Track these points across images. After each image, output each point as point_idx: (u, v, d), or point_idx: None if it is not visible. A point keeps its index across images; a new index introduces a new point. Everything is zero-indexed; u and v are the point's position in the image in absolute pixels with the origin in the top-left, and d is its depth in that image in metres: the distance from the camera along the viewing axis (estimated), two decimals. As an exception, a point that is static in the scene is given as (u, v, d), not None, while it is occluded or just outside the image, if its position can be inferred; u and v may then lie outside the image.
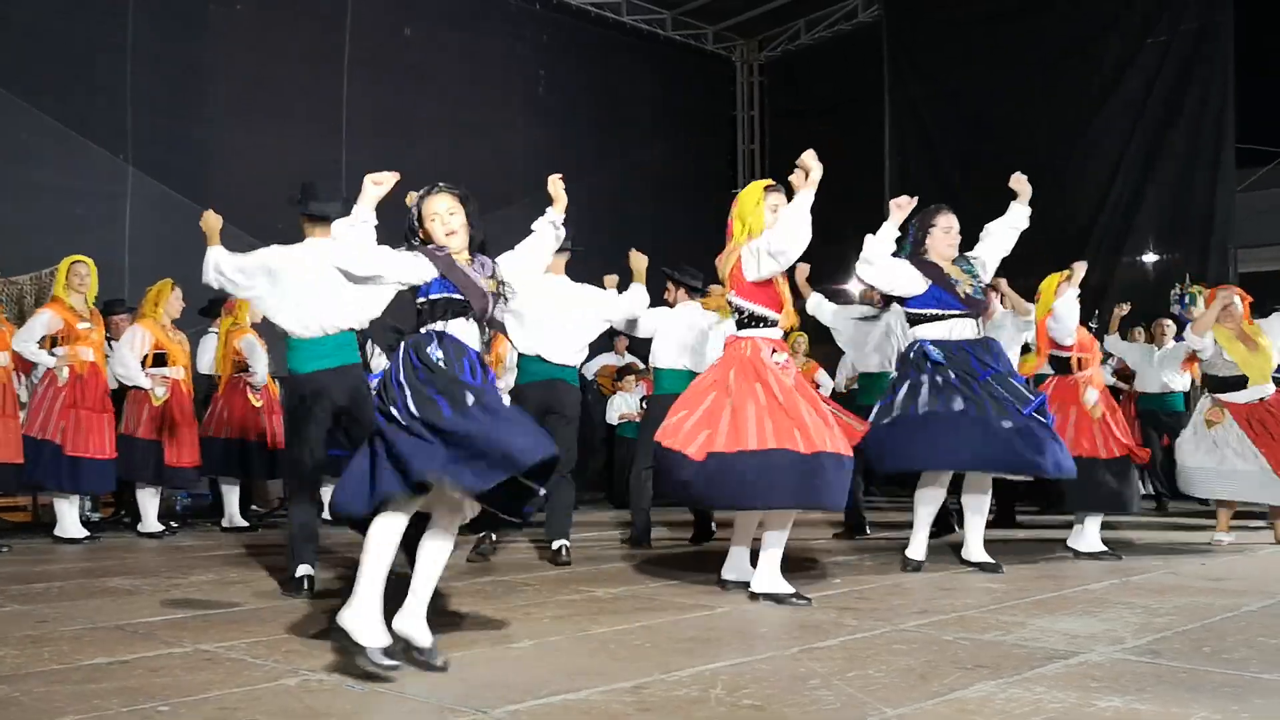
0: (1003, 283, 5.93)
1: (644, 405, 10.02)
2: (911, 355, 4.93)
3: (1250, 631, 3.47)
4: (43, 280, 7.88)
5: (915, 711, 2.52)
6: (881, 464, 4.93)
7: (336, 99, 10.55)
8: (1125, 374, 9.19)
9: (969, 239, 5.11)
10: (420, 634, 3.02)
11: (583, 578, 4.89)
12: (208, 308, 7.75)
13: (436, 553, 3.09)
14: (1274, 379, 6.28)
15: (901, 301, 5.07)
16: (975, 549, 4.99)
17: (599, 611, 3.94)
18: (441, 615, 3.88)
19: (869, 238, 4.89)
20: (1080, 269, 5.64)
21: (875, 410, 4.95)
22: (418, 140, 11.03)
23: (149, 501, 7.00)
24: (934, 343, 4.85)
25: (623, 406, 9.80)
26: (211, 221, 4.59)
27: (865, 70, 12.80)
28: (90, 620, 3.80)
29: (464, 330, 3.09)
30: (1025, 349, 6.08)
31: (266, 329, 6.47)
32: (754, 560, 4.29)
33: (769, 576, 4.12)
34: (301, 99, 10.32)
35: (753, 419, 4.00)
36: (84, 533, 6.58)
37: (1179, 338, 8.37)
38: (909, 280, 4.93)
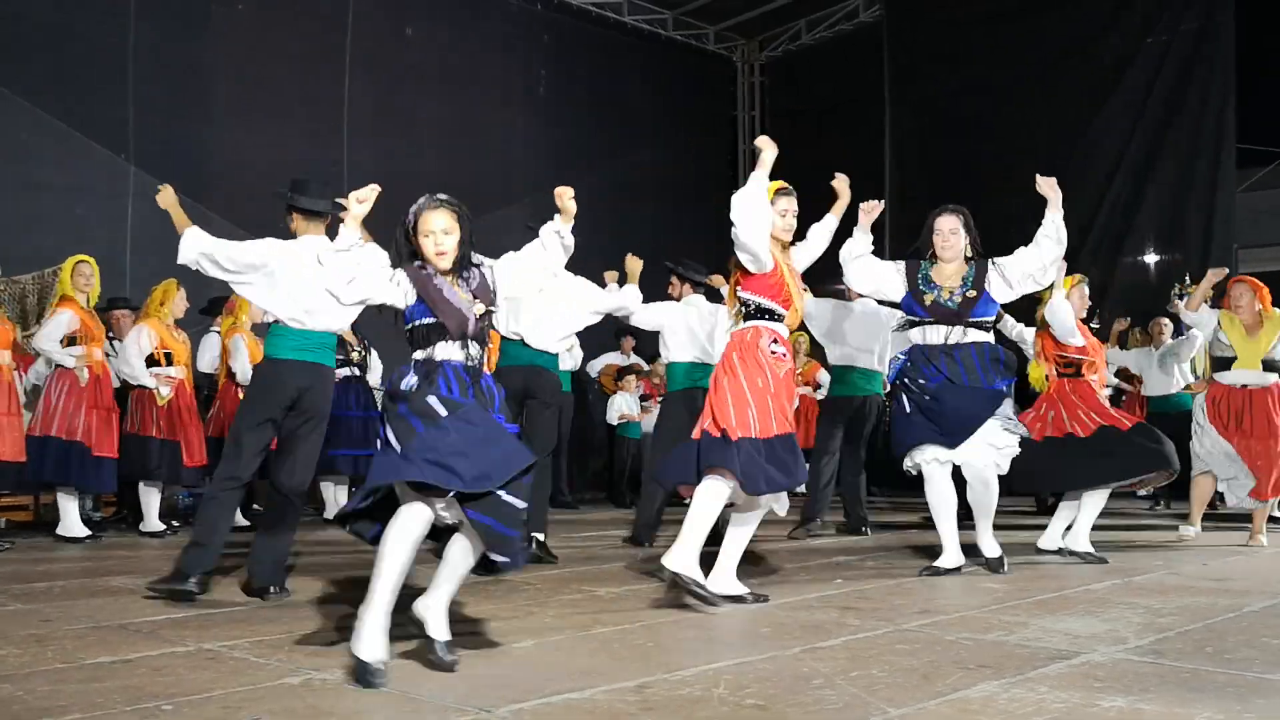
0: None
1: (644, 405, 10.03)
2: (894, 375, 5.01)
3: (1253, 632, 3.47)
4: (45, 279, 7.89)
5: (918, 711, 2.53)
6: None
7: (337, 99, 10.55)
8: (1126, 375, 9.19)
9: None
10: (436, 625, 3.04)
11: (584, 577, 4.89)
12: (208, 307, 7.76)
13: (462, 554, 3.06)
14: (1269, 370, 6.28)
15: (896, 305, 5.11)
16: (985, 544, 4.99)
17: (601, 611, 3.94)
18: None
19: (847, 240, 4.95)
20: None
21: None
22: (418, 140, 11.03)
23: (151, 500, 7.00)
24: (906, 352, 4.99)
25: (623, 407, 9.81)
26: (169, 197, 4.57)
27: (866, 70, 12.80)
28: (93, 619, 3.80)
29: (447, 351, 3.10)
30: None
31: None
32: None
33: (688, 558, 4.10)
34: (301, 99, 10.31)
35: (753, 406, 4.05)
36: (86, 532, 6.59)
37: (1177, 334, 8.39)
38: (882, 281, 5.01)
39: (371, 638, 2.85)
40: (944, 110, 11.96)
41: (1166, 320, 8.57)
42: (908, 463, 4.91)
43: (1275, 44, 10.75)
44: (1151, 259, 10.60)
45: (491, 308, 3.22)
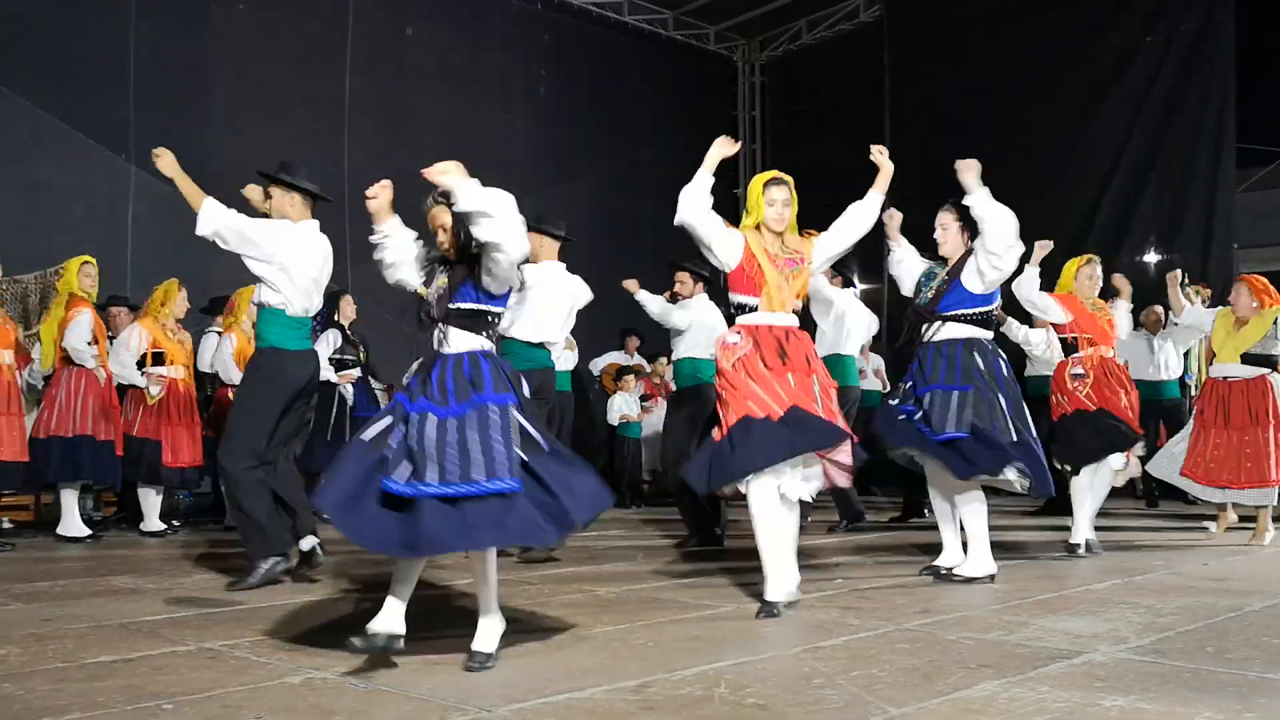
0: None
1: (645, 406, 10.03)
2: None
3: (1254, 632, 3.47)
4: (47, 279, 7.89)
5: (919, 711, 2.52)
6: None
7: (337, 99, 10.55)
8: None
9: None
10: (477, 636, 3.06)
11: (585, 577, 4.89)
12: (209, 306, 7.77)
13: (479, 563, 3.11)
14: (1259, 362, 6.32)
15: None
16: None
17: (602, 610, 3.94)
18: (443, 614, 3.88)
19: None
20: (1043, 248, 5.59)
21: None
22: (418, 140, 11.02)
23: (151, 500, 7.01)
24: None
25: (624, 407, 9.81)
26: (170, 162, 4.55)
27: (866, 70, 12.81)
28: (94, 618, 3.80)
29: (438, 340, 3.20)
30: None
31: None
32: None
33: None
34: (301, 99, 10.32)
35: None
36: (87, 531, 6.60)
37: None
38: (909, 283, 5.05)
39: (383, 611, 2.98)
40: (944, 110, 11.95)
41: (1159, 308, 8.60)
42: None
43: (1275, 44, 10.76)
44: (1151, 259, 10.60)
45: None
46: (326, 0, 10.61)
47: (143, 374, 6.95)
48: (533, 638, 3.40)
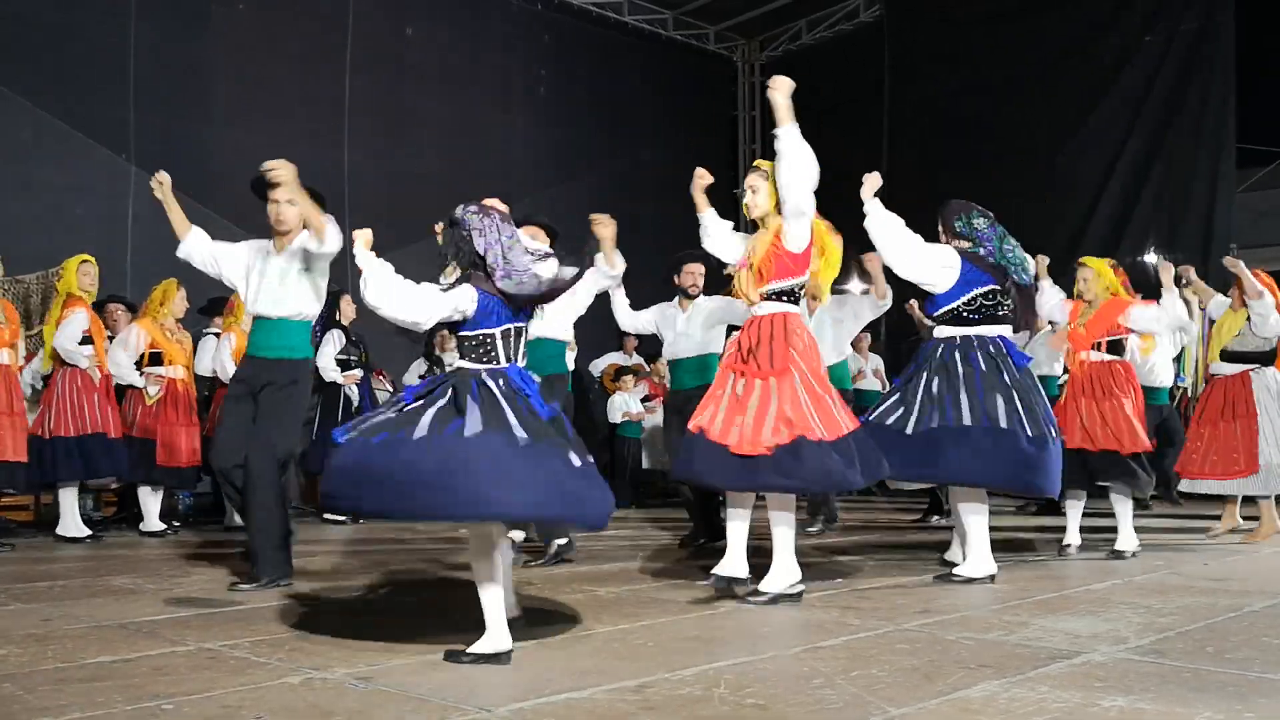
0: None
1: (647, 405, 10.03)
2: None
3: (1254, 631, 3.46)
4: (49, 279, 7.89)
5: (919, 711, 2.52)
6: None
7: (337, 99, 10.54)
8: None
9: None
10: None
11: (585, 577, 4.88)
12: (208, 306, 7.76)
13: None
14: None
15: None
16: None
17: (601, 610, 3.94)
18: (443, 614, 3.88)
19: None
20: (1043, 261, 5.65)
21: None
22: (418, 140, 11.03)
23: (151, 500, 7.01)
24: None
25: (624, 406, 9.81)
26: (167, 190, 4.56)
27: (866, 70, 12.80)
28: (93, 619, 3.80)
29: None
30: None
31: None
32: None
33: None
34: (301, 99, 10.31)
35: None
36: (86, 531, 6.59)
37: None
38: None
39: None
40: (944, 110, 11.96)
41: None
42: None
43: (1275, 44, 10.75)
44: (1151, 259, 10.59)
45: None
46: (326, 0, 10.61)
47: (141, 374, 6.94)
48: (532, 637, 3.40)
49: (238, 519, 7.39)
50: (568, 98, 12.44)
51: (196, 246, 4.53)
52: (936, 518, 7.42)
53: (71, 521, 6.58)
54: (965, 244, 4.79)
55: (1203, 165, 10.42)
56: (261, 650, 3.25)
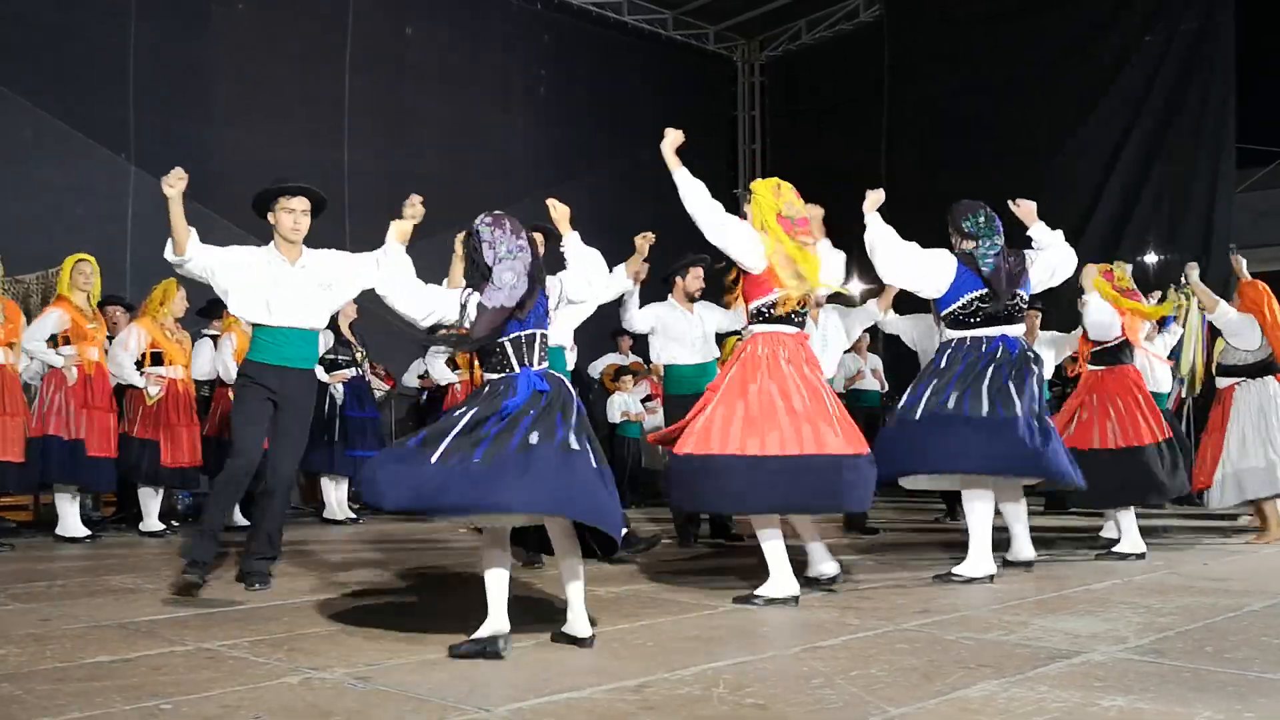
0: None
1: (648, 405, 10.02)
2: None
3: (1253, 631, 3.46)
4: (49, 279, 7.89)
5: (918, 710, 2.52)
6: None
7: (337, 99, 10.55)
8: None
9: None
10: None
11: (584, 577, 4.87)
12: (207, 308, 7.74)
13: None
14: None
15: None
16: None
17: (601, 610, 3.93)
18: (442, 614, 3.88)
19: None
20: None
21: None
22: (418, 140, 11.03)
23: (150, 501, 7.00)
24: None
25: (624, 406, 9.80)
26: (179, 191, 4.34)
27: (865, 70, 12.80)
28: (92, 619, 3.80)
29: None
30: None
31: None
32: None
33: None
34: (301, 99, 10.32)
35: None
36: (85, 531, 6.59)
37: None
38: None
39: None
40: (944, 110, 11.95)
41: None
42: None
43: (1275, 44, 10.75)
44: (1151, 259, 10.60)
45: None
46: (326, 0, 10.61)
47: (142, 374, 6.92)
48: (532, 637, 3.40)
49: (238, 518, 7.41)
50: (568, 98, 12.44)
51: (198, 255, 4.46)
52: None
53: (70, 521, 6.57)
54: (971, 244, 4.83)
55: (1203, 165, 10.41)
56: (260, 650, 3.25)
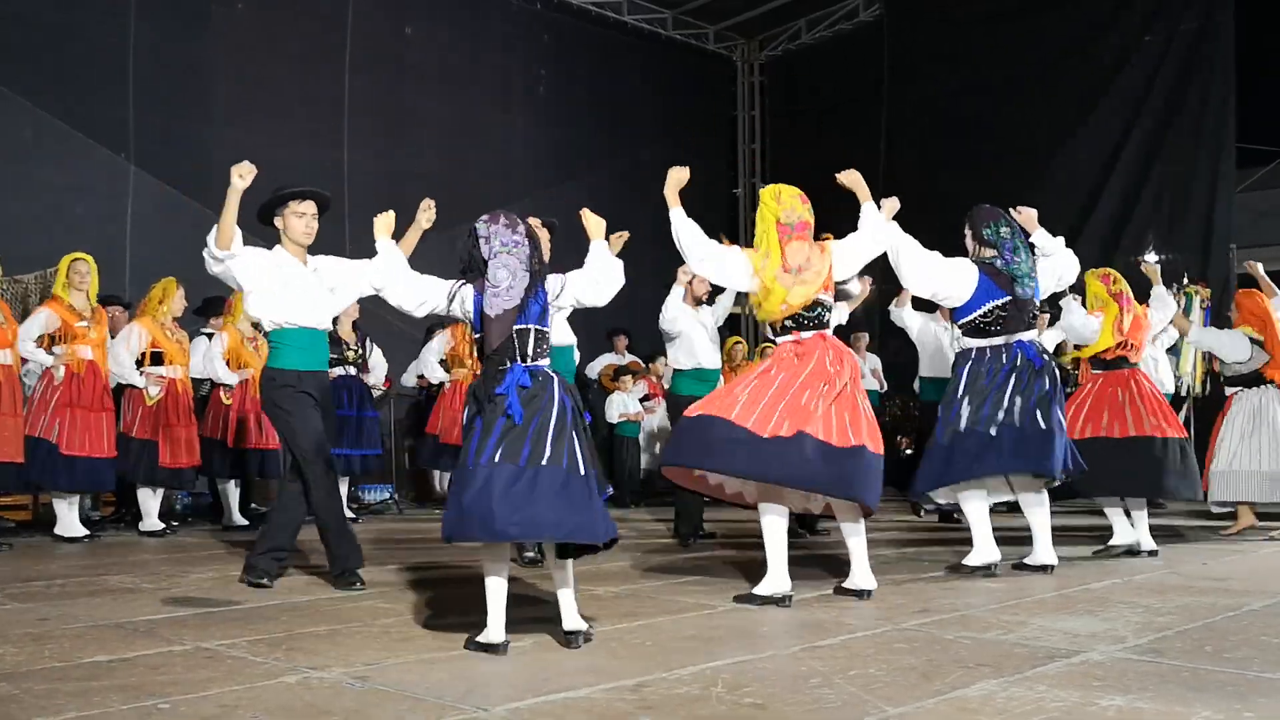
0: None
1: (646, 405, 10.02)
2: None
3: (1252, 631, 3.46)
4: (48, 279, 7.88)
5: (917, 710, 2.52)
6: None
7: (337, 99, 10.55)
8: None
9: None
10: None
11: (583, 576, 4.86)
12: (203, 307, 7.74)
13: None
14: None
15: None
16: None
17: (600, 610, 3.94)
18: (441, 614, 3.88)
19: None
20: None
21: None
22: (418, 140, 11.04)
23: (150, 500, 7.00)
24: None
25: (623, 406, 9.80)
26: (241, 186, 4.36)
27: (865, 70, 12.81)
28: (91, 618, 3.80)
29: None
30: None
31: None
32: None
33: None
34: (301, 99, 10.32)
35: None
36: (84, 531, 6.58)
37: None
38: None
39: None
40: (944, 110, 11.96)
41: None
42: None
43: (1275, 44, 10.75)
44: (1150, 259, 10.59)
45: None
46: (326, 0, 10.61)
47: (142, 374, 6.91)
48: (530, 637, 3.40)
49: (237, 518, 7.41)
50: (567, 98, 12.44)
51: (241, 253, 4.44)
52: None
53: (68, 521, 6.56)
54: (991, 252, 4.88)
55: (1203, 165, 10.41)
56: (259, 650, 3.25)
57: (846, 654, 3.14)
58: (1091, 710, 2.50)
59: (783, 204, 4.28)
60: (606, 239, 3.76)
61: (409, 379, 9.48)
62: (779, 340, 4.29)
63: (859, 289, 6.98)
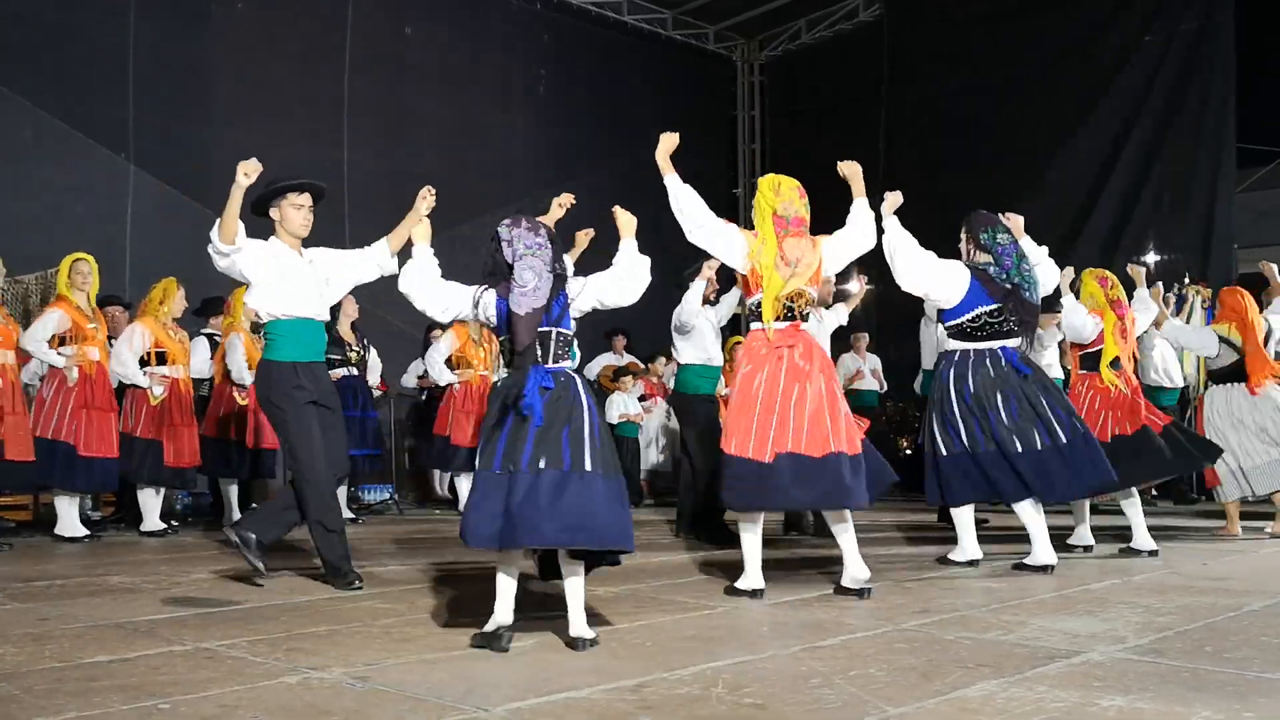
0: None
1: (645, 406, 10.02)
2: None
3: (1252, 631, 3.46)
4: (49, 279, 7.89)
5: (917, 710, 2.52)
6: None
7: (337, 99, 10.56)
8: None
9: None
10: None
11: (584, 583, 4.87)
12: (202, 307, 7.74)
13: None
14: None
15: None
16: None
17: (601, 610, 3.93)
18: (441, 614, 3.88)
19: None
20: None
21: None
22: (418, 140, 11.04)
23: (151, 500, 7.00)
24: None
25: (622, 406, 9.80)
26: (245, 184, 4.33)
27: (865, 70, 12.82)
28: (91, 618, 3.80)
29: None
30: None
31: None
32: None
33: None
34: (301, 99, 10.33)
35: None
36: (84, 531, 6.58)
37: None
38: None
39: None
40: (944, 110, 11.97)
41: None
42: None
43: (1275, 44, 10.76)
44: (1151, 258, 10.61)
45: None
46: (326, 0, 10.62)
47: (146, 374, 6.91)
48: (530, 637, 3.40)
49: (237, 518, 7.40)
50: (568, 98, 12.44)
51: (246, 245, 4.43)
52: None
53: (69, 521, 6.56)
54: (986, 257, 4.94)
55: (1203, 165, 10.42)
56: (259, 650, 3.24)
57: (847, 654, 3.14)
58: (1092, 710, 2.50)
59: (781, 196, 4.30)
60: (612, 236, 3.78)
61: (409, 379, 9.48)
62: (753, 325, 4.34)
63: (858, 289, 6.99)
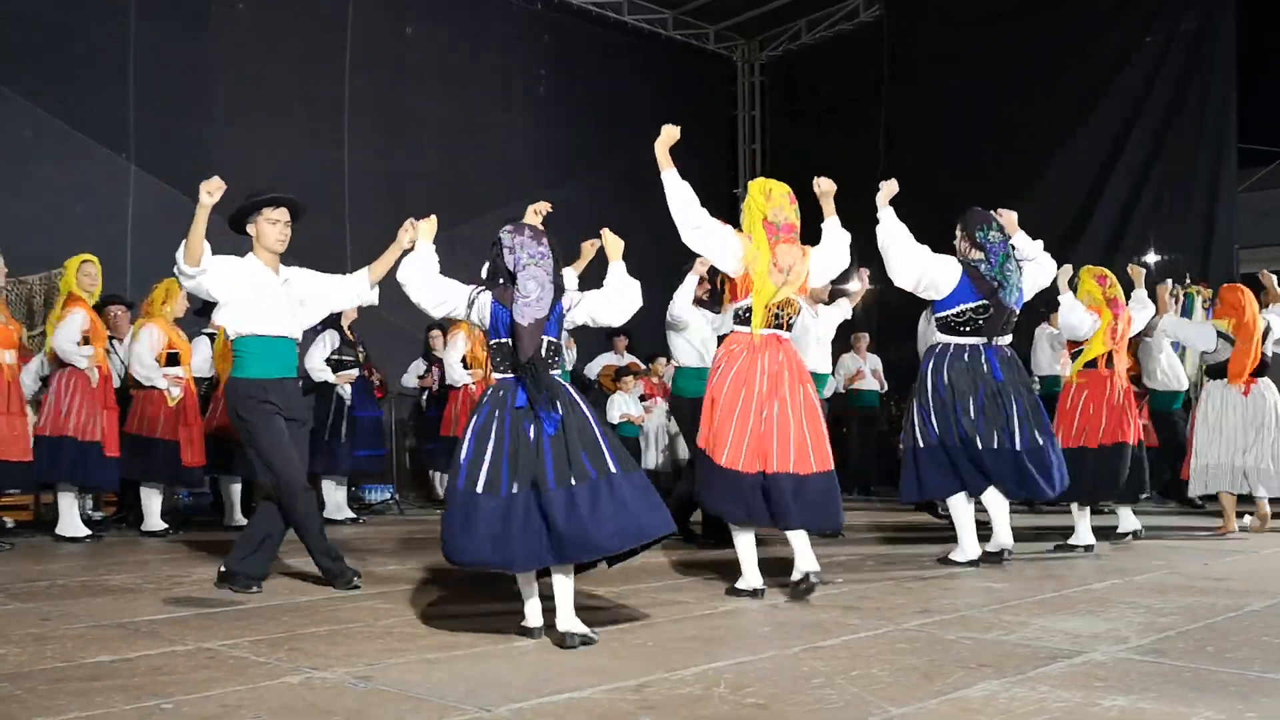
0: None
1: (645, 406, 10.02)
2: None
3: (1254, 631, 3.46)
4: (52, 280, 7.89)
5: (919, 710, 2.52)
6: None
7: (337, 99, 10.55)
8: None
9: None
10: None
11: (584, 577, 4.86)
12: (202, 308, 7.73)
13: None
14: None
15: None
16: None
17: (601, 610, 3.93)
18: (443, 614, 3.88)
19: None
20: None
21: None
22: (418, 140, 11.04)
23: (153, 500, 7.00)
24: None
25: (623, 406, 9.80)
26: (211, 201, 4.26)
27: (865, 70, 12.81)
28: (93, 618, 3.80)
29: None
30: None
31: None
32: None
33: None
34: (301, 99, 10.32)
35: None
36: (86, 531, 6.58)
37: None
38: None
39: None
40: (943, 110, 11.96)
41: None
42: None
43: (1275, 44, 10.76)
44: (1151, 259, 10.60)
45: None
46: (326, 0, 10.61)
47: (163, 375, 6.92)
48: (531, 637, 3.40)
49: (239, 518, 7.40)
50: (568, 98, 12.44)
51: (211, 266, 4.37)
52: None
53: (71, 521, 6.56)
54: (979, 254, 5.00)
55: (1203, 165, 10.42)
56: (261, 650, 3.25)
57: (848, 654, 3.14)
58: (1094, 710, 2.50)
59: (771, 202, 4.27)
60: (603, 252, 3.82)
61: (409, 379, 9.47)
62: (736, 328, 4.33)
63: (858, 286, 6.98)
